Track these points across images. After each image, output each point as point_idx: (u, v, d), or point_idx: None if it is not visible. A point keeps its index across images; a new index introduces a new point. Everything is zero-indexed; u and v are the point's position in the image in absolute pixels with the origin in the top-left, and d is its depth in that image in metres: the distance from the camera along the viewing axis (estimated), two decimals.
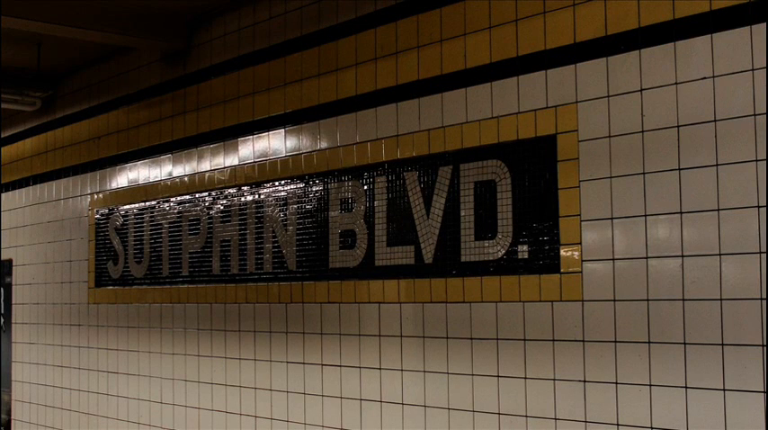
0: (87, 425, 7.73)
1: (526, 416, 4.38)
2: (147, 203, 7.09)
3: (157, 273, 6.94)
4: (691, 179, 3.80)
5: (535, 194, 4.39)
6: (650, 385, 3.91)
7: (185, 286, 6.65)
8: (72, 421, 7.93)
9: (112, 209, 7.50)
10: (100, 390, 7.59)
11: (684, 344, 3.80)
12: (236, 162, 6.25)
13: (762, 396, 3.58)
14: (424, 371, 4.88)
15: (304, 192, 5.70)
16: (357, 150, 5.34)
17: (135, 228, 7.21)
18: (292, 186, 5.79)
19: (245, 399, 6.10)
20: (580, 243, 4.18)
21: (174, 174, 6.81)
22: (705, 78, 3.78)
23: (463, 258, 4.70)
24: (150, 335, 7.01)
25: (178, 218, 6.75)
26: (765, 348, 3.57)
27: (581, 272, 4.17)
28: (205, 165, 6.52)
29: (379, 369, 5.15)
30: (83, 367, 7.82)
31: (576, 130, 4.22)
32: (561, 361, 4.24)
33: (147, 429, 7.01)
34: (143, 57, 7.20)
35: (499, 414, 4.50)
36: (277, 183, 5.91)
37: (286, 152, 5.85)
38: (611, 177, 4.07)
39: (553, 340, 4.27)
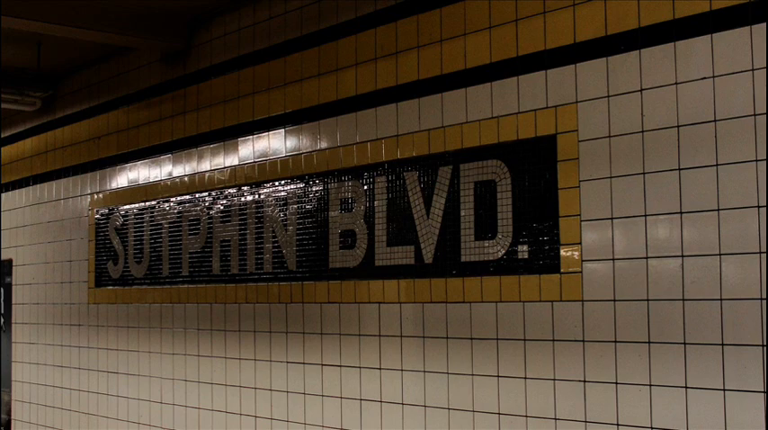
0: (87, 425, 7.73)
1: (526, 416, 4.38)
2: (147, 203, 7.09)
3: (157, 273, 6.94)
4: (691, 179, 3.80)
5: (535, 194, 4.39)
6: (650, 385, 3.91)
7: (185, 286, 6.65)
8: (72, 421, 7.93)
9: (112, 209, 7.50)
10: (100, 390, 7.59)
11: (684, 344, 3.80)
12: (236, 162, 6.25)
13: (762, 396, 3.58)
14: (424, 371, 4.88)
15: (304, 192, 5.70)
16: (357, 150, 5.34)
17: (135, 228, 7.21)
18: (292, 186, 5.79)
19: (245, 399, 6.10)
20: (580, 243, 4.18)
21: (174, 174, 6.81)
22: (705, 78, 3.79)
23: (463, 258, 4.70)
24: (150, 335, 7.01)
25: (178, 218, 6.76)
26: (765, 348, 3.57)
27: (581, 272, 4.17)
28: (205, 165, 6.52)
29: (379, 369, 5.15)
30: (83, 367, 7.82)
31: (576, 130, 4.22)
32: (561, 361, 4.24)
33: (147, 429, 7.01)
34: (143, 57, 7.20)
35: (499, 414, 4.50)
36: (277, 183, 5.91)
37: (286, 152, 5.85)
38: (611, 177, 4.07)
39: (553, 340, 4.27)
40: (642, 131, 3.97)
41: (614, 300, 4.04)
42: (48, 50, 7.48)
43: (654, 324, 3.90)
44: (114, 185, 7.50)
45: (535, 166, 4.40)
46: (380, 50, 5.23)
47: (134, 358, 7.18)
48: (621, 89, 4.06)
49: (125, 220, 7.33)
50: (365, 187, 5.28)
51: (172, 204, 6.83)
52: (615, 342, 4.04)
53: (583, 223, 4.18)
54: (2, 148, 8.96)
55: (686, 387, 3.80)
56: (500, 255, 4.54)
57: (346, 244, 5.39)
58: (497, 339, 4.53)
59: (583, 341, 4.16)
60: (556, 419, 4.25)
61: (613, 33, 4.11)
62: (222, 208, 6.35)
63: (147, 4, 6.39)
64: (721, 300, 3.69)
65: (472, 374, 4.63)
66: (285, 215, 5.83)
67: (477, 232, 4.66)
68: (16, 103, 8.13)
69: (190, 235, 6.62)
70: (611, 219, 4.07)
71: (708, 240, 3.74)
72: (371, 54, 5.28)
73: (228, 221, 6.29)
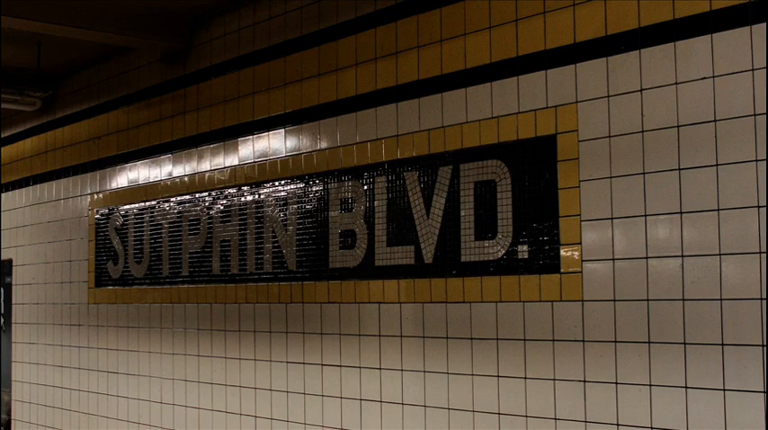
0: (87, 425, 7.73)
1: (526, 416, 4.38)
2: (147, 203, 7.09)
3: (157, 273, 6.94)
4: (691, 179, 3.80)
5: (535, 194, 4.39)
6: (650, 385, 3.91)
7: (185, 286, 6.65)
8: (72, 421, 7.93)
9: (112, 209, 7.50)
10: (100, 390, 7.59)
11: (684, 344, 3.80)
12: (236, 162, 6.25)
13: (762, 396, 3.58)
14: (424, 371, 4.88)
15: (304, 192, 5.70)
16: (357, 150, 5.34)
17: (135, 228, 7.21)
18: (292, 186, 5.79)
19: (245, 399, 6.10)
20: (580, 243, 4.18)
21: (174, 174, 6.81)
22: (705, 78, 3.79)
23: (463, 258, 4.70)
24: (150, 335, 7.01)
25: (178, 218, 6.76)
26: (765, 348, 3.57)
27: (581, 272, 4.17)
28: (205, 165, 6.52)
29: (379, 369, 5.15)
30: (83, 367, 7.82)
31: (576, 130, 4.22)
32: (561, 361, 4.24)
33: (147, 429, 7.01)
34: (143, 57, 7.20)
35: (499, 414, 4.50)
36: (277, 183, 5.91)
37: (286, 152, 5.85)
38: (611, 177, 4.07)
39: (553, 340, 4.27)
40: (642, 131, 3.97)
41: (614, 300, 4.04)
42: (48, 50, 7.48)
43: (654, 324, 3.90)
44: (114, 185, 7.50)
45: (535, 166, 4.40)
46: (380, 50, 5.23)
47: (134, 358, 7.18)
48: (621, 89, 4.06)
49: (125, 220, 7.33)
50: (365, 187, 5.28)
51: (172, 204, 6.83)
52: (615, 342, 4.04)
53: (583, 223, 4.18)
54: (2, 148, 8.96)
55: (686, 387, 3.80)
56: (500, 255, 4.53)
57: (346, 244, 5.39)
58: (497, 339, 4.53)
59: (583, 341, 4.16)
60: (556, 419, 4.25)
61: (613, 33, 4.11)
62: (222, 208, 6.35)
63: (147, 4, 6.39)
64: (721, 300, 3.69)
65: (472, 374, 4.63)
66: (285, 215, 5.83)
67: (477, 232, 4.66)
68: (16, 102, 8.13)
69: (190, 235, 6.62)
70: (611, 219, 4.07)
71: (708, 240, 3.74)
72: (371, 54, 5.28)
73: (228, 221, 6.29)
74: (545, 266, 4.32)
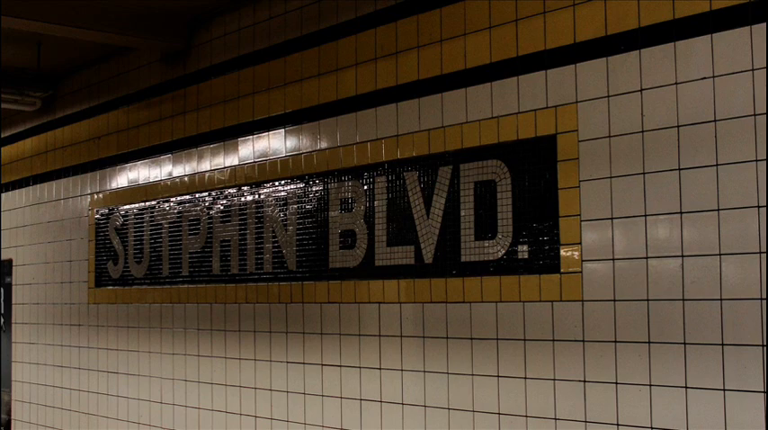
0: (87, 425, 7.73)
1: (526, 416, 4.38)
2: (147, 203, 7.09)
3: (157, 273, 6.94)
4: (691, 179, 3.80)
5: (535, 194, 4.39)
6: (650, 385, 3.91)
7: (185, 286, 6.64)
8: (72, 421, 7.93)
9: (112, 209, 7.50)
10: (100, 390, 7.59)
11: (684, 344, 3.80)
12: (236, 162, 6.25)
13: (762, 396, 3.58)
14: (424, 371, 4.88)
15: (304, 192, 5.70)
16: (357, 150, 5.34)
17: (135, 228, 7.21)
18: (292, 186, 5.79)
19: (245, 399, 6.10)
20: (580, 243, 4.18)
21: (174, 174, 6.81)
22: (705, 78, 3.79)
23: (463, 258, 4.70)
24: (150, 335, 7.01)
25: (178, 218, 6.76)
26: (765, 348, 3.57)
27: (581, 272, 4.17)
28: (205, 165, 6.52)
29: (379, 369, 5.15)
30: (83, 367, 7.82)
31: (576, 130, 4.22)
32: (561, 361, 4.24)
33: (147, 429, 7.01)
34: (143, 57, 7.20)
35: (499, 414, 4.50)
36: (277, 183, 5.91)
37: (286, 152, 5.85)
38: (611, 177, 4.07)
39: (553, 340, 4.27)
40: (642, 131, 3.97)
41: (614, 300, 4.04)
42: (48, 50, 7.48)
43: (654, 324, 3.90)
44: (114, 185, 7.50)
45: (535, 166, 4.40)
46: (380, 50, 5.23)
47: (134, 358, 7.18)
48: (621, 89, 4.06)
49: (125, 220, 7.33)
50: (365, 187, 5.28)
51: (172, 204, 6.83)
52: (615, 342, 4.04)
53: (583, 223, 4.18)
54: (2, 148, 8.96)
55: (686, 387, 3.80)
56: (500, 255, 4.54)
57: (346, 244, 5.39)
58: (497, 339, 4.53)
59: (583, 341, 4.16)
60: (556, 419, 4.25)
61: (613, 33, 4.11)
62: (222, 208, 6.35)
63: (147, 4, 6.39)
64: (721, 300, 3.69)
65: (472, 374, 4.63)
66: (285, 215, 5.83)
67: (477, 232, 4.66)
68: (16, 102, 8.13)
69: (190, 235, 6.62)
70: (611, 219, 4.07)
71: (708, 240, 3.74)
72: (371, 54, 5.28)
73: (228, 221, 6.29)
74: (545, 266, 4.32)
